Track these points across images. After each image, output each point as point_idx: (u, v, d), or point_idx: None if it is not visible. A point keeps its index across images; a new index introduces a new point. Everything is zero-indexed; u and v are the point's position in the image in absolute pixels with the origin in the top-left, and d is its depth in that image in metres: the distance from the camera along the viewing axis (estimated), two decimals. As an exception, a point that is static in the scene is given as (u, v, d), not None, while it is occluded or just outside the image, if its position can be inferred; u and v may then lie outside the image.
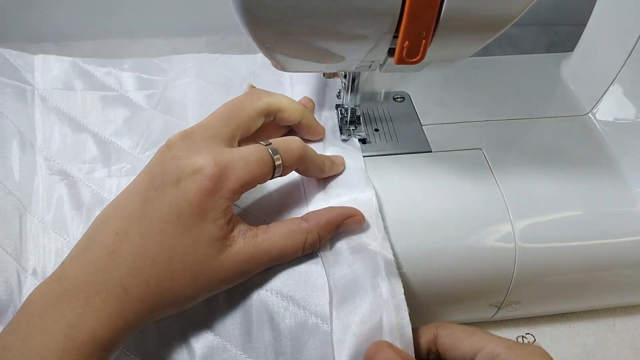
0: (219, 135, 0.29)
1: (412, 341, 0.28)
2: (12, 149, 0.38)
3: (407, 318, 0.29)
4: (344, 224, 0.31)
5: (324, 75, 0.38)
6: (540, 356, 0.27)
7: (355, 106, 0.38)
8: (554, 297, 0.38)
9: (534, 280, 0.35)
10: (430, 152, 0.38)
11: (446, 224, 0.34)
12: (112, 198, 0.36)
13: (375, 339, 0.28)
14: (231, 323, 0.30)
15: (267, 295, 0.30)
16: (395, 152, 0.38)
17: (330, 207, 0.32)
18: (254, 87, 0.37)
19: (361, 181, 0.34)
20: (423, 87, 0.44)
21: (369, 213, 0.32)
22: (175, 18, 0.61)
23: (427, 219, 0.34)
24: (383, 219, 0.33)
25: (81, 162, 0.38)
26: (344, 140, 0.38)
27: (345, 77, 0.36)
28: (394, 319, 0.28)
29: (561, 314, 0.41)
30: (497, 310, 0.37)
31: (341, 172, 0.35)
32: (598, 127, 0.41)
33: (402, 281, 0.30)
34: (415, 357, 0.29)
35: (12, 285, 0.32)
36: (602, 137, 0.40)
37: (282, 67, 0.30)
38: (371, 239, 0.31)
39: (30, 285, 0.33)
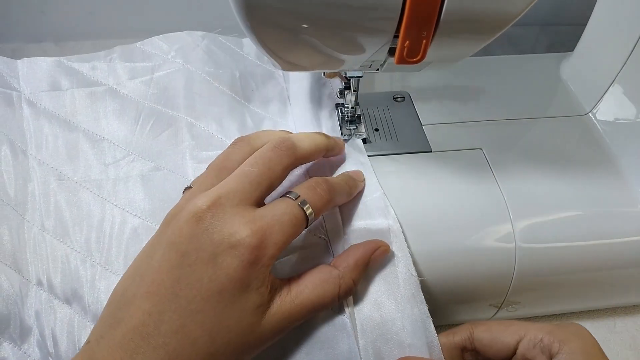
0: (248, 200, 0.27)
1: None
2: (2, 157, 0.37)
3: None
4: (372, 259, 0.30)
5: (324, 75, 0.38)
6: (583, 336, 0.27)
7: (355, 106, 0.38)
8: (554, 297, 0.38)
9: (534, 280, 0.35)
10: (430, 152, 0.38)
11: (446, 224, 0.34)
12: (110, 197, 0.36)
13: None
14: None
15: None
16: (395, 152, 0.38)
17: (354, 246, 0.31)
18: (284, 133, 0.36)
19: (379, 204, 0.33)
20: (423, 87, 0.44)
21: (396, 244, 0.32)
22: (176, 18, 0.61)
23: (427, 219, 0.34)
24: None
25: (76, 164, 0.37)
26: (344, 140, 0.38)
27: (345, 76, 0.36)
28: None
29: (561, 314, 0.41)
30: (497, 310, 0.37)
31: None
32: (598, 127, 0.41)
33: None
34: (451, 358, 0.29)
35: (13, 298, 0.32)
36: (602, 137, 0.40)
37: (282, 67, 0.30)
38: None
39: (34, 296, 0.32)
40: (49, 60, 0.42)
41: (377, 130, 0.40)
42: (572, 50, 0.46)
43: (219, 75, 0.43)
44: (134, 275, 0.27)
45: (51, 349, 0.31)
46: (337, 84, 0.41)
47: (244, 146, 0.32)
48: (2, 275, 0.32)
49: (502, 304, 0.36)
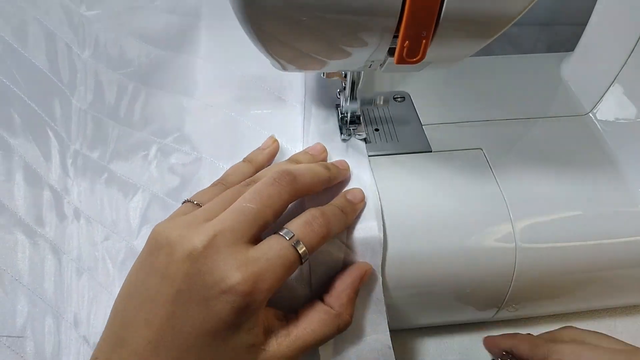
0: (244, 237, 0.27)
1: None
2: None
3: None
4: (361, 284, 0.31)
5: (324, 75, 0.38)
6: None
7: (355, 106, 0.38)
8: (554, 297, 0.38)
9: (535, 281, 0.35)
10: (430, 152, 0.38)
11: (446, 224, 0.34)
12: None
13: None
14: None
15: None
16: (395, 152, 0.38)
17: (342, 279, 0.31)
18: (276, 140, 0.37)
19: (369, 212, 0.33)
20: (423, 87, 0.44)
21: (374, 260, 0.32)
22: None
23: (427, 219, 0.34)
24: (383, 219, 0.33)
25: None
26: (344, 140, 0.38)
27: (345, 77, 0.36)
28: None
29: (561, 314, 0.41)
30: (497, 311, 0.37)
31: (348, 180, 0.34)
32: (598, 127, 0.41)
33: (403, 282, 0.30)
34: None
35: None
36: (602, 137, 0.40)
37: (282, 67, 0.30)
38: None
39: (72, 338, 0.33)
40: None
41: (377, 130, 0.40)
42: (572, 50, 0.46)
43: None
44: (130, 297, 0.27)
45: None
46: (337, 84, 0.41)
47: (246, 165, 0.33)
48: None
49: (502, 304, 0.36)
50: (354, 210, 0.32)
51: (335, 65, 0.30)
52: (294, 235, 0.28)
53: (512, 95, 0.43)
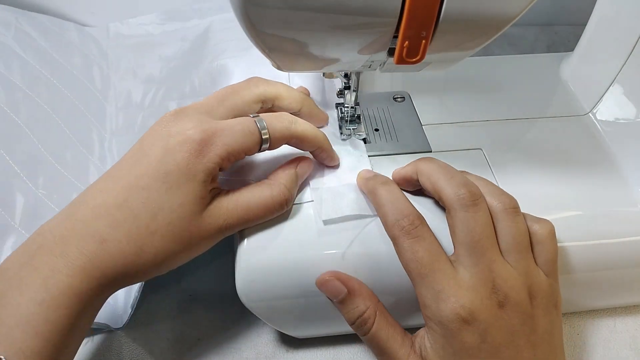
0: (211, 113, 0.31)
1: None
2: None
3: None
4: (300, 170, 0.33)
5: (323, 75, 0.38)
6: None
7: (355, 106, 0.38)
8: (554, 297, 0.38)
9: (534, 280, 0.35)
10: (430, 152, 0.38)
11: (446, 223, 0.34)
12: None
13: None
14: None
15: None
16: (395, 152, 0.38)
17: (284, 164, 0.34)
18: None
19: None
20: (423, 87, 0.44)
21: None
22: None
23: (427, 219, 0.34)
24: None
25: None
26: (344, 140, 0.38)
27: (345, 77, 0.36)
28: None
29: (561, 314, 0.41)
30: (497, 310, 0.37)
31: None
32: (598, 127, 0.41)
33: (403, 282, 0.30)
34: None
35: None
36: (602, 137, 0.40)
37: (282, 68, 0.30)
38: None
39: None
40: None
41: (377, 130, 0.40)
42: (572, 50, 0.46)
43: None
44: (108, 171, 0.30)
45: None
46: (337, 84, 0.41)
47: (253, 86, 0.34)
48: None
49: (502, 304, 0.36)
50: (325, 138, 0.34)
51: (335, 65, 0.30)
52: (261, 119, 0.31)
53: (512, 95, 0.44)
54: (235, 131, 0.29)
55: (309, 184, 0.35)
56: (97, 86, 0.53)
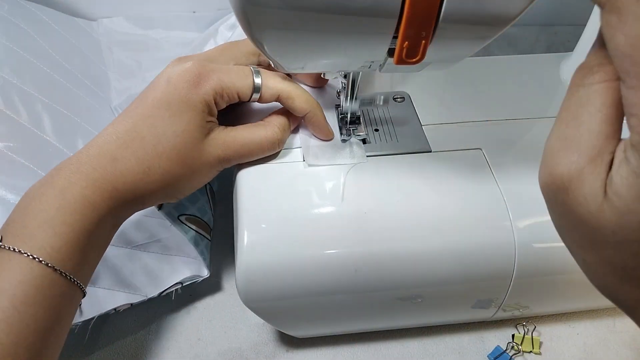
0: (211, 60, 0.34)
1: None
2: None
3: None
4: (292, 118, 0.37)
5: (323, 76, 0.38)
6: None
7: (354, 106, 0.38)
8: (554, 297, 0.38)
9: (534, 280, 0.35)
10: (430, 152, 0.38)
11: (446, 224, 0.34)
12: None
13: None
14: None
15: None
16: (395, 152, 0.38)
17: (278, 110, 0.37)
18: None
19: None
20: (423, 87, 0.44)
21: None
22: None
23: (427, 219, 0.34)
24: (383, 218, 0.33)
25: None
26: (344, 140, 0.38)
27: (345, 77, 0.36)
28: None
29: (561, 314, 0.41)
30: (497, 310, 0.37)
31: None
32: (598, 127, 0.41)
33: (404, 281, 0.30)
34: None
35: None
36: (602, 137, 0.40)
37: (281, 68, 0.30)
38: None
39: None
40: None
41: (376, 130, 0.40)
42: (572, 50, 0.46)
43: None
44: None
45: None
46: (337, 84, 0.41)
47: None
48: None
49: (502, 303, 0.36)
50: (318, 105, 0.36)
51: (335, 65, 0.30)
52: (257, 69, 0.34)
53: (511, 96, 0.44)
54: (230, 70, 0.33)
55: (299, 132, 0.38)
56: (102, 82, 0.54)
